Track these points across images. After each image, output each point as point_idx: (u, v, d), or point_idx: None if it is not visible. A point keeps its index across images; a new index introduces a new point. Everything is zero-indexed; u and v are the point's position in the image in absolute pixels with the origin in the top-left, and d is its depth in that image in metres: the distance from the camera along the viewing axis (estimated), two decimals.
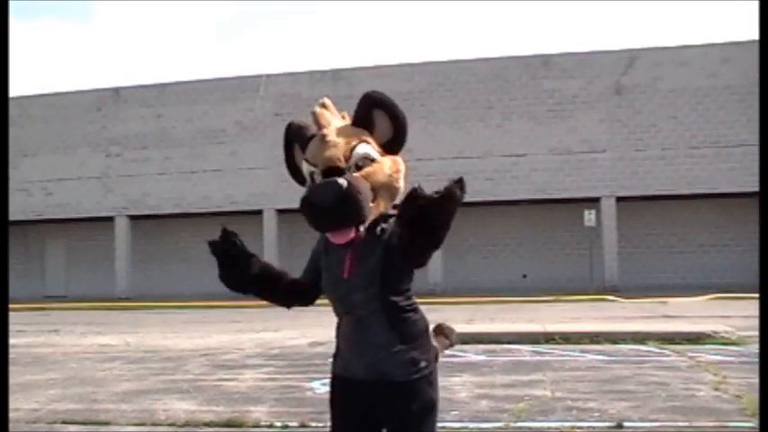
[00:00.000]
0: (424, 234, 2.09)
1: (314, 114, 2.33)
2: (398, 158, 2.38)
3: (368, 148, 2.29)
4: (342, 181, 2.14)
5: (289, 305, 2.57)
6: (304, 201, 2.18)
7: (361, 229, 2.24)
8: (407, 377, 2.32)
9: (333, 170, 2.23)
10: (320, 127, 2.30)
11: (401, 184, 2.35)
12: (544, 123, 24.17)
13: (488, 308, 17.24)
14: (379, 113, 2.33)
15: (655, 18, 63.26)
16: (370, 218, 2.24)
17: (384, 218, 2.33)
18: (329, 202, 2.12)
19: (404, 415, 2.33)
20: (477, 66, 24.92)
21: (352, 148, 2.27)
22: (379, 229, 2.31)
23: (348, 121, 2.39)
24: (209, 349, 10.77)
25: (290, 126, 2.49)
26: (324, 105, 2.38)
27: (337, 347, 2.49)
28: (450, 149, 24.27)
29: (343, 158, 2.25)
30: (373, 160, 2.29)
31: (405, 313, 2.36)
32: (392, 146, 2.36)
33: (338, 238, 2.22)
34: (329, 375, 2.52)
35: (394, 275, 2.31)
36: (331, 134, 2.28)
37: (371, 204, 2.22)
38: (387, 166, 2.31)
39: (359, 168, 2.26)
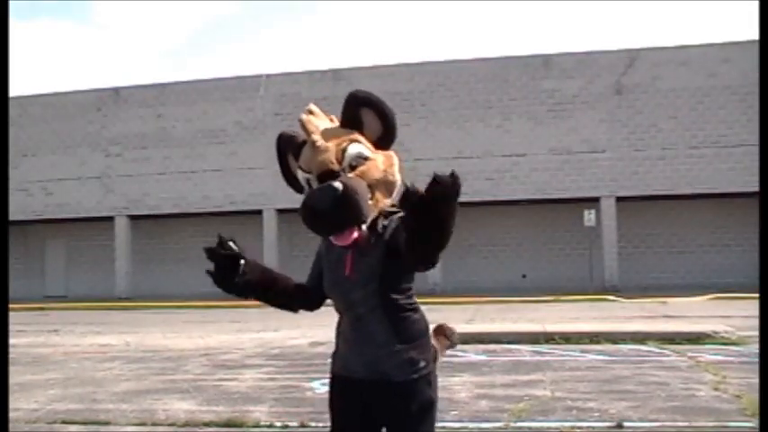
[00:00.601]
0: (430, 227, 2.06)
1: (301, 122, 2.33)
2: (391, 153, 2.38)
3: (359, 146, 2.29)
4: (337, 184, 2.15)
5: (293, 309, 2.61)
6: (302, 208, 2.19)
7: (363, 228, 2.25)
8: (406, 377, 2.32)
9: (327, 174, 2.24)
10: (308, 133, 2.30)
11: (397, 177, 2.35)
12: (544, 123, 24.16)
13: (488, 308, 17.23)
14: (366, 112, 2.33)
15: (655, 18, 63.28)
16: (371, 216, 2.25)
17: (384, 214, 2.33)
18: (327, 207, 2.13)
19: (402, 415, 2.33)
20: (477, 66, 24.92)
21: (344, 150, 2.27)
22: (380, 225, 2.32)
23: (337, 123, 2.39)
24: (209, 349, 10.77)
25: (280, 137, 2.52)
26: (310, 112, 2.38)
27: (336, 346, 2.50)
28: (450, 149, 24.26)
29: (336, 161, 2.26)
30: (366, 158, 2.29)
31: (404, 312, 2.36)
32: (383, 143, 2.36)
33: (341, 241, 2.23)
34: (329, 375, 2.53)
35: (394, 273, 2.32)
36: (320, 139, 2.29)
37: (370, 202, 2.23)
38: (380, 162, 2.31)
39: (353, 168, 2.26)
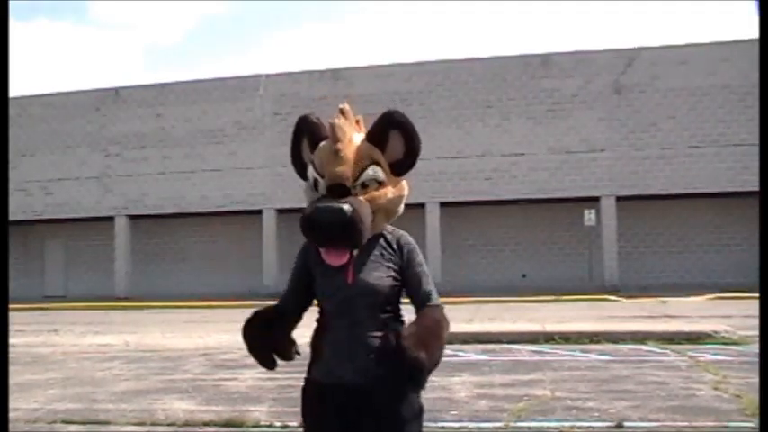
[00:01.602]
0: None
1: (332, 126, 2.32)
2: (404, 183, 2.42)
3: (377, 170, 2.31)
4: (347, 207, 2.19)
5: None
6: (306, 219, 2.22)
7: (355, 253, 2.29)
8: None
9: (338, 187, 2.27)
10: (335, 140, 2.30)
11: (401, 209, 2.41)
12: (543, 123, 24.15)
13: (488, 308, 17.22)
14: (395, 134, 2.34)
15: (654, 18, 63.30)
16: (366, 239, 2.30)
17: (383, 236, 2.39)
18: (331, 226, 2.18)
19: (391, 419, 2.33)
20: (477, 65, 24.90)
21: (362, 169, 2.29)
22: (382, 240, 2.37)
23: (362, 128, 2.40)
24: (209, 349, 10.76)
25: (304, 119, 2.49)
26: (342, 113, 2.37)
27: (314, 354, 2.45)
28: (449, 149, 24.24)
29: (351, 177, 2.28)
30: (380, 183, 2.32)
31: (398, 319, 2.42)
32: (399, 168, 2.37)
33: (332, 259, 2.26)
34: (303, 383, 2.51)
35: (399, 288, 2.41)
36: (344, 149, 2.29)
37: (369, 225, 2.27)
38: (390, 192, 2.35)
39: (364, 187, 2.29)
